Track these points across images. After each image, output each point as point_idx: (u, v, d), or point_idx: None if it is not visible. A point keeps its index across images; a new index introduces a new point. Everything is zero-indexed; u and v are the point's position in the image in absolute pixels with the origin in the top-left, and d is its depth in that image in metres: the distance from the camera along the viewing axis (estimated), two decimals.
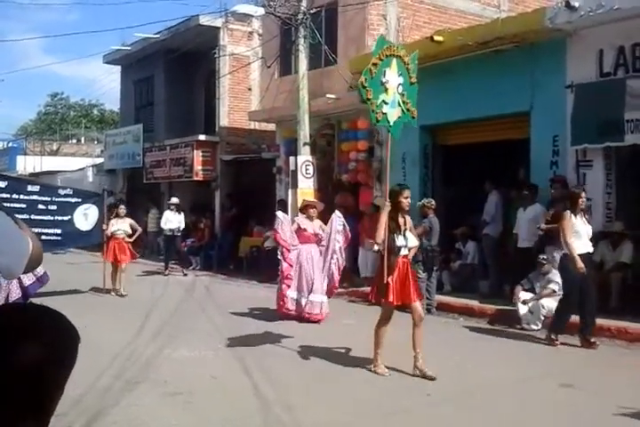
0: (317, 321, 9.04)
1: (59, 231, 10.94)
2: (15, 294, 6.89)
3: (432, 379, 5.89)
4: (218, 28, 18.50)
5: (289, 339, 7.75)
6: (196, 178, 18.60)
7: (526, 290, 8.90)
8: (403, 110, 6.46)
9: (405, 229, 6.31)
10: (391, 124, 6.40)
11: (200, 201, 19.26)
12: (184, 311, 9.82)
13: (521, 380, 6.09)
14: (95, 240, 12.09)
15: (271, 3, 13.41)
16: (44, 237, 9.97)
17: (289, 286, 9.14)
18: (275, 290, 9.58)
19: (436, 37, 10.84)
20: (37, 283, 7.24)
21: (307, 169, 13.18)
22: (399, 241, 6.23)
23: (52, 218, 10.86)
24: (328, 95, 13.26)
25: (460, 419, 5.02)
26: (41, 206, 10.74)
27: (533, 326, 8.55)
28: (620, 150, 9.20)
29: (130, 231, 12.23)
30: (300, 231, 9.27)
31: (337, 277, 9.33)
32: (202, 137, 18.80)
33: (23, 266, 2.05)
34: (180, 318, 9.14)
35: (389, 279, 6.08)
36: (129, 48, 21.11)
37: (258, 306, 10.13)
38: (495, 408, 5.22)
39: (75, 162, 31.99)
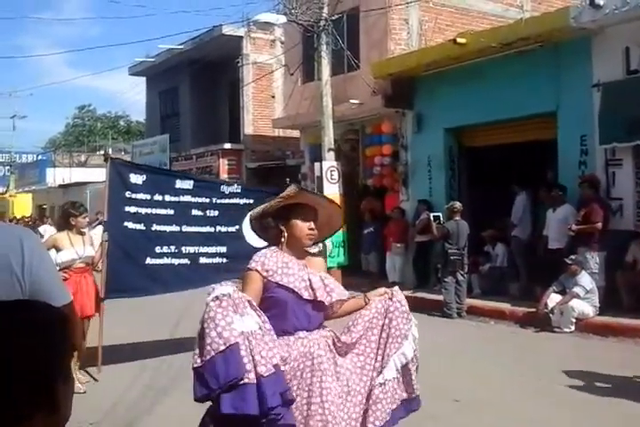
0: None
1: (223, 250, 7.20)
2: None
3: None
4: (240, 38, 18.66)
5: None
6: None
7: (558, 292, 8.79)
8: None
9: None
10: None
11: None
12: None
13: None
14: None
15: (293, 11, 13.46)
16: (202, 261, 7.10)
17: None
18: None
19: (459, 40, 10.76)
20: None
21: (332, 175, 13.18)
22: None
23: (212, 230, 7.21)
24: (351, 100, 13.26)
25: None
26: (196, 212, 7.18)
27: (565, 329, 8.44)
28: None
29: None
30: None
31: None
32: (227, 145, 18.95)
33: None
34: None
35: None
36: (153, 60, 21.37)
37: None
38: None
39: (103, 173, 32.26)
